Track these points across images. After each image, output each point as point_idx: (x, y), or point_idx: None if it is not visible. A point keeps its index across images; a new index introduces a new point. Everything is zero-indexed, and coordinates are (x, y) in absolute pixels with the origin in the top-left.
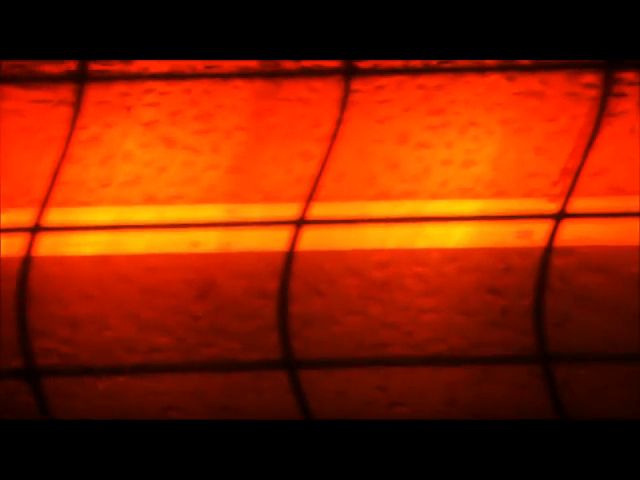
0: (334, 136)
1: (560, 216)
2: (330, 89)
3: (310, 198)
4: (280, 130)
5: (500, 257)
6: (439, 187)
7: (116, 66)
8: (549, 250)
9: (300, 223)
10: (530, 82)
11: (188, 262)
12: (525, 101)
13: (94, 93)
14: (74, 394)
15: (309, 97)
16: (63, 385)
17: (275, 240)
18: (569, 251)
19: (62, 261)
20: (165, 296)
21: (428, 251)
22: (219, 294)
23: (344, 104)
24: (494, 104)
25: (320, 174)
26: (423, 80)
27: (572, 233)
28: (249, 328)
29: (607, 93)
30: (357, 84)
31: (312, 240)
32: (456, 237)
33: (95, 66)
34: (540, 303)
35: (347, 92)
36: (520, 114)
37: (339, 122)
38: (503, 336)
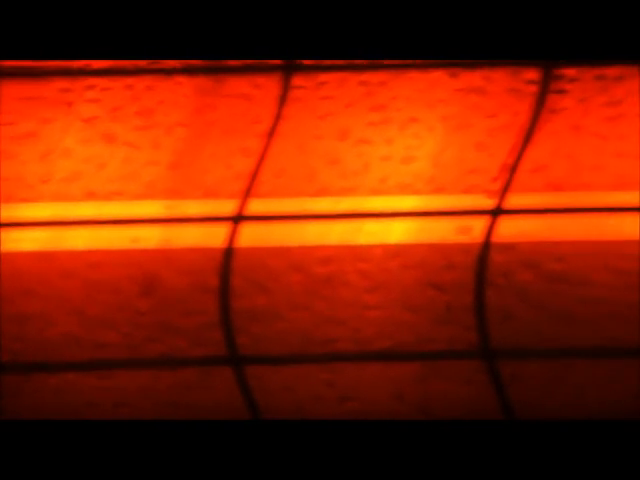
0: (272, 132)
1: (497, 212)
2: (272, 85)
3: (247, 194)
4: (221, 126)
5: (442, 253)
6: (379, 183)
7: (56, 62)
8: (487, 246)
9: (238, 219)
10: (472, 78)
11: (130, 258)
12: (466, 97)
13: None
14: (23, 392)
15: (251, 93)
16: (11, 383)
17: (215, 236)
18: (510, 247)
19: (4, 257)
20: (109, 292)
21: (370, 247)
22: (163, 290)
23: (283, 100)
24: (436, 100)
25: (257, 170)
26: (366, 77)
27: (512, 229)
28: (194, 324)
29: (547, 90)
30: (300, 80)
31: (253, 236)
32: (397, 233)
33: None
34: (481, 299)
35: (286, 89)
36: (461, 110)
37: (277, 118)
38: (448, 332)
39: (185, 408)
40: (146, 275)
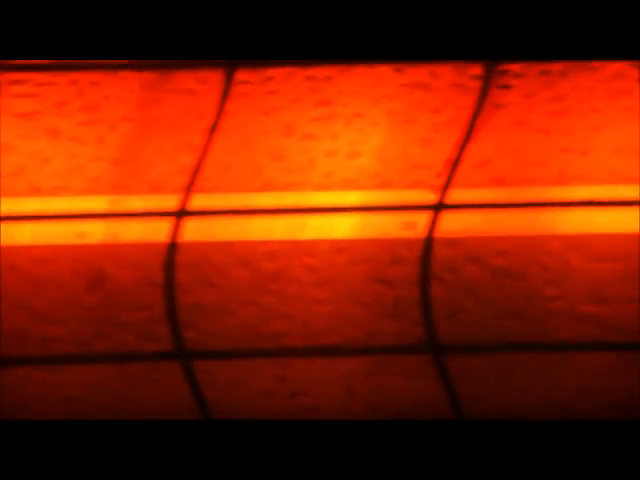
0: (213, 128)
1: (439, 207)
2: (217, 80)
3: (189, 189)
4: (166, 121)
5: (388, 248)
6: (324, 178)
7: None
8: (430, 241)
9: (181, 214)
10: (418, 74)
11: (75, 253)
12: (412, 92)
13: None
14: None
15: (196, 88)
16: None
17: (159, 231)
18: (456, 242)
19: None
20: (55, 287)
21: (316, 242)
22: (109, 285)
23: (225, 96)
24: (381, 95)
25: (199, 166)
26: (312, 72)
27: (457, 224)
28: (141, 319)
29: (491, 85)
30: (245, 75)
31: (199, 231)
32: (342, 228)
33: None
34: (426, 294)
35: (229, 84)
36: (406, 105)
37: (219, 114)
38: (396, 327)
39: (135, 403)
40: (92, 270)
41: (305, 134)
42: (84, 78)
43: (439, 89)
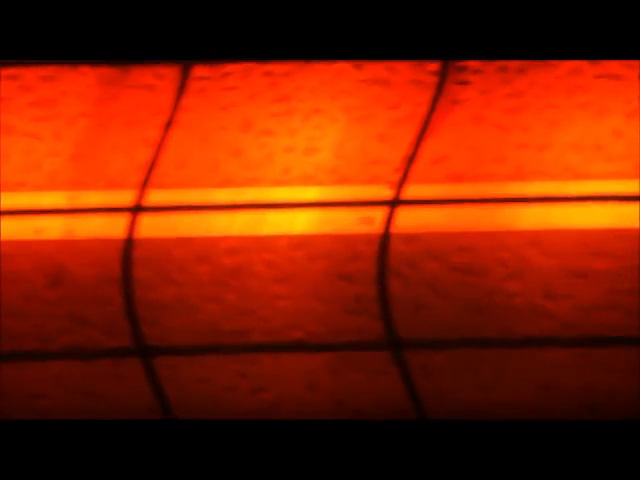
0: (169, 123)
1: (395, 203)
2: (175, 76)
3: (145, 185)
4: (124, 117)
5: (347, 244)
6: (282, 174)
7: None
8: (387, 237)
9: (136, 210)
10: (377, 69)
11: (34, 249)
12: (370, 88)
13: None
14: None
15: (154, 84)
16: None
17: (117, 227)
18: (415, 238)
19: None
20: (17, 283)
21: (275, 238)
22: (70, 281)
23: (181, 91)
24: (339, 91)
25: (155, 161)
26: (271, 67)
27: (415, 220)
28: (103, 315)
29: (449, 81)
30: (203, 71)
31: (158, 227)
32: (301, 224)
33: None
34: (384, 290)
35: (184, 79)
36: (364, 101)
37: (175, 109)
38: (358, 323)
39: (99, 399)
40: (52, 266)
41: (263, 130)
42: (42, 73)
43: (397, 85)
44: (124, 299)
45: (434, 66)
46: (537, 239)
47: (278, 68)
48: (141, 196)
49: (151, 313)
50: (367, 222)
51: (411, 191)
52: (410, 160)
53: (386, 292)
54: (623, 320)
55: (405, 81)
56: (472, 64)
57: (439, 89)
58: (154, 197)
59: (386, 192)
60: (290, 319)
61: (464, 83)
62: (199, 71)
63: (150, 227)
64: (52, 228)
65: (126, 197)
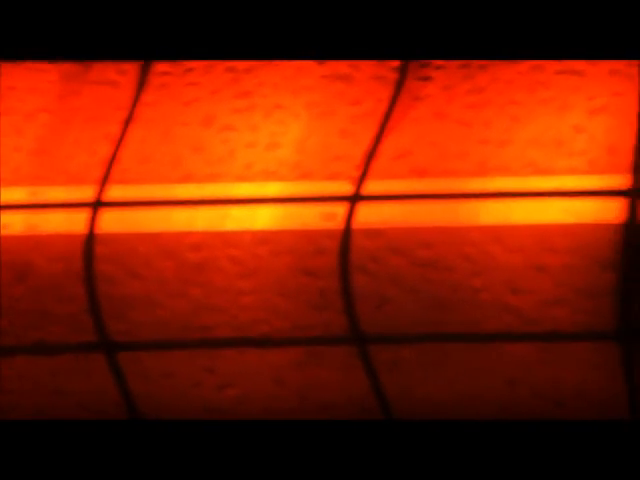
0: (129, 119)
1: (355, 198)
2: (137, 72)
3: (106, 180)
4: (86, 113)
5: (310, 239)
6: (244, 169)
7: None
8: (348, 232)
9: (97, 205)
10: (339, 66)
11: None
12: (332, 84)
13: None
14: None
15: (116, 79)
16: None
17: (80, 222)
18: (378, 233)
19: None
20: None
21: (238, 233)
22: (35, 276)
23: (141, 87)
24: (301, 87)
25: (117, 156)
26: (233, 63)
27: (379, 215)
28: (68, 311)
29: (411, 77)
30: (165, 67)
31: (120, 222)
32: (264, 219)
33: None
34: (348, 285)
35: (145, 75)
36: (326, 97)
37: (134, 105)
38: (323, 318)
39: (64, 394)
40: (17, 261)
41: (225, 125)
42: (2, 69)
43: (359, 81)
44: (88, 295)
45: (396, 63)
46: (500, 235)
47: (240, 64)
48: (102, 191)
49: (116, 308)
50: (329, 218)
51: (373, 187)
52: (370, 156)
53: (350, 287)
54: (586, 315)
55: (367, 77)
56: (434, 60)
57: (399, 86)
58: (116, 192)
59: (348, 188)
60: (256, 314)
61: (426, 79)
62: (161, 67)
63: (112, 222)
64: (15, 224)
65: (87, 192)
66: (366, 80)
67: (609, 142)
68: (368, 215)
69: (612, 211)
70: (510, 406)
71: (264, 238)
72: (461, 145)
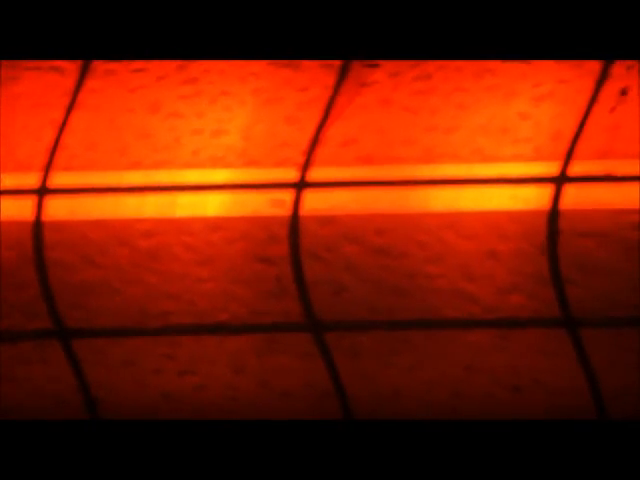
0: (71, 105)
1: (301, 185)
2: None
3: (51, 167)
4: (31, 99)
5: (262, 226)
6: (191, 156)
7: None
8: (297, 219)
9: (42, 192)
10: None
11: None
12: (279, 71)
13: None
14: None
15: (62, 65)
16: None
17: (25, 209)
18: (330, 220)
19: None
20: None
21: (190, 220)
22: None
23: (87, 73)
24: (248, 74)
25: (58, 143)
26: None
27: (327, 202)
28: (22, 298)
29: (357, 64)
30: None
31: (69, 209)
32: (213, 206)
33: None
34: (301, 273)
35: (89, 61)
36: (273, 84)
37: (79, 91)
38: (281, 305)
39: (21, 382)
40: None
41: (171, 112)
42: None
43: (306, 68)
44: (41, 282)
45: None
46: (452, 221)
47: None
48: (47, 178)
49: (72, 296)
50: (279, 205)
51: (320, 173)
52: (314, 142)
53: (305, 275)
54: (540, 302)
55: (315, 64)
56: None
57: (345, 72)
58: (62, 179)
59: (294, 174)
60: (214, 301)
61: (373, 66)
62: None
63: (60, 209)
64: None
65: (33, 179)
66: (313, 67)
67: (554, 129)
68: (318, 202)
69: (559, 198)
70: (467, 392)
71: (216, 225)
72: (408, 132)
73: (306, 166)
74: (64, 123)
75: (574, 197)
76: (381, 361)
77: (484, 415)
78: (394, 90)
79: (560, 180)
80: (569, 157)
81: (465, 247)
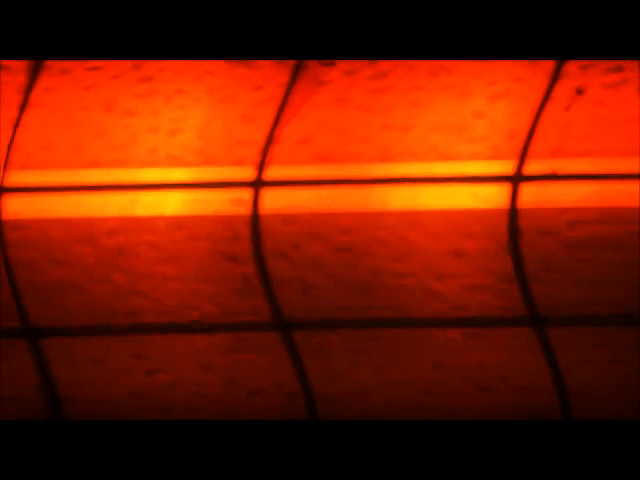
0: (25, 104)
1: (258, 184)
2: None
3: (6, 166)
4: None
5: (226, 225)
6: (148, 155)
7: None
8: (257, 218)
9: (1, 191)
10: None
11: None
12: (234, 69)
13: None
14: None
15: (11, 64)
16: None
17: None
18: (293, 218)
19: None
20: None
21: (152, 219)
22: None
23: (36, 71)
24: (203, 72)
25: (13, 141)
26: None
27: (290, 201)
28: None
29: (313, 62)
30: None
31: (31, 208)
32: (174, 205)
33: None
34: (265, 271)
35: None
36: (228, 82)
37: (29, 89)
38: (249, 304)
39: None
40: None
41: (126, 110)
42: None
43: (261, 66)
44: (6, 281)
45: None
46: (416, 220)
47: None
48: (4, 177)
49: (38, 295)
50: (240, 203)
51: (278, 172)
52: (269, 141)
53: (271, 273)
54: (507, 300)
55: (269, 62)
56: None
57: (301, 71)
58: (20, 178)
59: (252, 173)
60: (182, 300)
61: (328, 64)
62: None
63: (20, 208)
64: None
65: None
66: (268, 65)
67: (510, 127)
68: (279, 200)
69: (516, 197)
70: (436, 390)
71: (180, 224)
72: (364, 130)
73: (262, 165)
74: (18, 122)
75: (533, 195)
76: (349, 360)
77: (452, 413)
78: (350, 88)
79: (516, 179)
80: (524, 156)
81: (430, 245)
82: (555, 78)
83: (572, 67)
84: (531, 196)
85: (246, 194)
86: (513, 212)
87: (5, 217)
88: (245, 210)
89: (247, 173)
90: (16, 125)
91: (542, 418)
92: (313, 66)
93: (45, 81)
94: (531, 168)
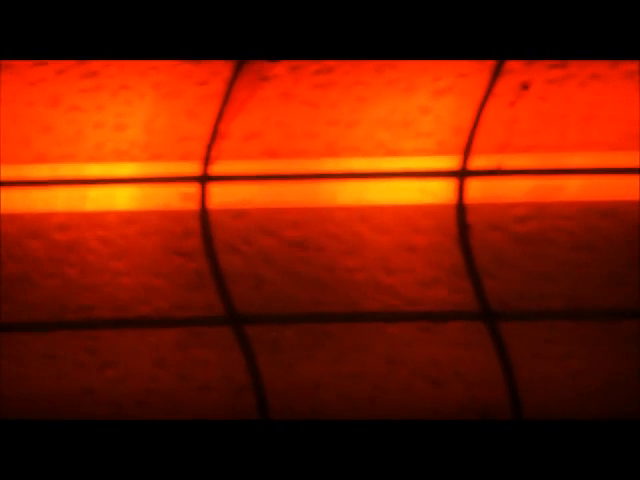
0: None
1: (205, 179)
2: None
3: None
4: None
5: (176, 220)
6: (95, 150)
7: None
8: (205, 212)
9: None
10: None
11: None
12: (179, 65)
13: None
14: None
15: None
16: None
17: None
18: (242, 213)
19: None
20: None
21: (102, 214)
22: None
23: None
24: (148, 68)
25: None
26: None
27: (238, 196)
28: None
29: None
30: None
31: None
32: (123, 200)
33: None
34: (217, 266)
35: None
36: (173, 78)
37: None
38: (201, 298)
39: None
40: None
41: (72, 106)
42: None
43: (206, 61)
44: None
45: None
46: (365, 215)
47: None
48: None
49: None
50: (188, 198)
51: (224, 167)
52: (214, 136)
53: (223, 268)
54: (460, 295)
55: None
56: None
57: (245, 66)
58: None
59: (199, 168)
60: (134, 295)
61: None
62: None
63: None
64: None
65: None
66: (212, 60)
67: (455, 123)
68: (227, 195)
69: (463, 192)
70: (388, 385)
71: (129, 219)
72: (310, 126)
73: (207, 160)
74: None
75: (480, 191)
76: (302, 354)
77: (404, 408)
78: (295, 84)
79: (462, 174)
80: (468, 151)
81: (381, 240)
82: (497, 74)
83: (516, 63)
84: (478, 191)
85: (194, 189)
86: (461, 207)
87: None
88: (194, 205)
89: (194, 168)
90: None
91: (493, 413)
92: (258, 62)
93: None
94: (477, 163)
